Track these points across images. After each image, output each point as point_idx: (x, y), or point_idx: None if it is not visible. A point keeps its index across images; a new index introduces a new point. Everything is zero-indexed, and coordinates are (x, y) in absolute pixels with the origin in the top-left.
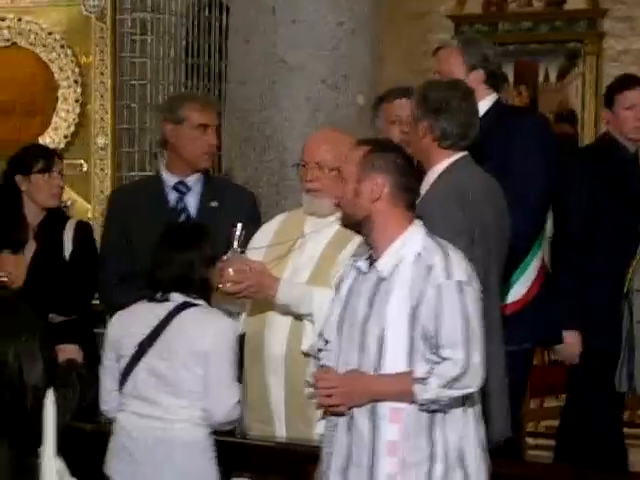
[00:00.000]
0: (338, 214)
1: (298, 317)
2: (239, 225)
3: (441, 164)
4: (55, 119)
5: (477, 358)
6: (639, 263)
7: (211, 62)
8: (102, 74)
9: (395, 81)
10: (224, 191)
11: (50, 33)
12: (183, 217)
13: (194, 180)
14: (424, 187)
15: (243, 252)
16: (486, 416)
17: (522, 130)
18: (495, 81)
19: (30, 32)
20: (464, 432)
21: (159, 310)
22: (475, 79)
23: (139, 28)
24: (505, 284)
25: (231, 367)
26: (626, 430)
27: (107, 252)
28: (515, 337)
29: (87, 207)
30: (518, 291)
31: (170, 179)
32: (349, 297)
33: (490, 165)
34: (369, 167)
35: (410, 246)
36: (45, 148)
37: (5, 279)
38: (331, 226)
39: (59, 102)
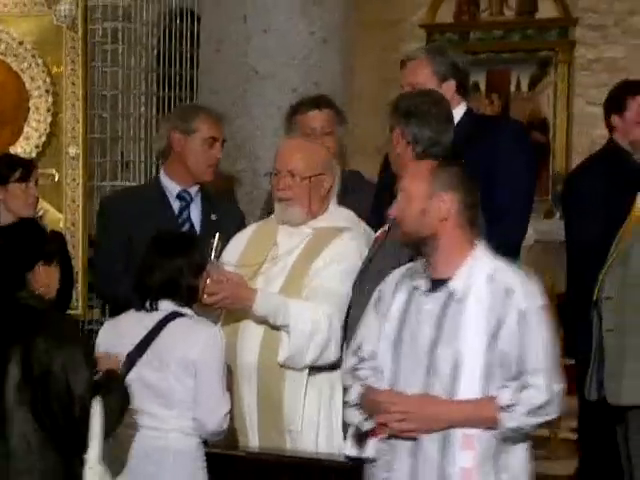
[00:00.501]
0: (310, 223)
1: (273, 327)
2: (216, 236)
3: None
4: (26, 129)
5: (559, 386)
6: (608, 271)
7: (183, 71)
8: (73, 84)
9: (366, 90)
10: (220, 205)
11: (21, 43)
12: (186, 227)
13: (195, 191)
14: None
15: (220, 263)
16: None
17: (503, 136)
18: (465, 90)
19: (1, 42)
20: (524, 462)
21: (148, 320)
22: (447, 89)
23: (110, 37)
24: None
25: (221, 377)
26: None
27: (106, 258)
28: None
29: (59, 217)
30: None
31: (172, 187)
32: (406, 316)
33: (472, 173)
34: (437, 184)
35: (480, 266)
36: (21, 158)
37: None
38: (304, 236)
39: (30, 112)
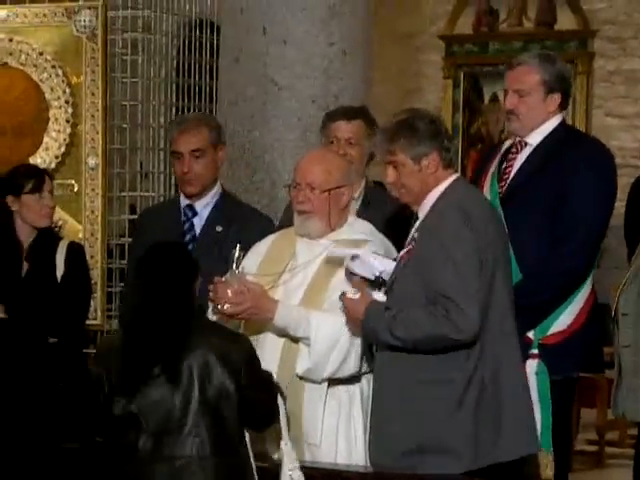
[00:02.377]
0: (329, 235)
1: (293, 339)
2: (237, 247)
3: (438, 188)
4: (46, 139)
5: None
6: (625, 287)
7: (202, 82)
8: (93, 94)
9: (386, 101)
10: (234, 217)
11: (41, 53)
12: (188, 238)
13: (203, 204)
14: (421, 213)
15: (241, 274)
16: (508, 430)
17: (582, 162)
18: (567, 102)
19: (21, 52)
20: None
21: None
22: (552, 102)
23: (130, 48)
24: (551, 315)
25: None
26: (616, 450)
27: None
28: (560, 367)
29: (78, 227)
30: (563, 321)
31: (183, 201)
32: None
33: (543, 190)
34: None
35: None
36: (35, 168)
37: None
38: (322, 249)
39: (50, 122)
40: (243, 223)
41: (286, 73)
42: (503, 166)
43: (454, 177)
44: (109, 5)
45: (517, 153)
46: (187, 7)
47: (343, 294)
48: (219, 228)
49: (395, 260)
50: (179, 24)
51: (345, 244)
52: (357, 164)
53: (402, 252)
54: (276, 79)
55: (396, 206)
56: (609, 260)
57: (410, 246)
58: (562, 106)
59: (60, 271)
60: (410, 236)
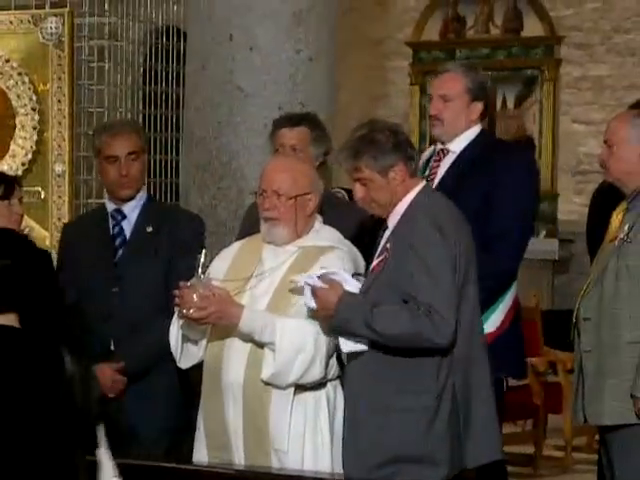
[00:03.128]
0: (296, 242)
1: (259, 344)
2: (203, 252)
3: (407, 196)
4: (12, 146)
5: None
6: (586, 292)
7: (169, 89)
8: (60, 101)
9: (353, 107)
10: (164, 217)
11: (7, 60)
12: (118, 241)
13: (132, 207)
14: (391, 222)
15: (207, 279)
16: (474, 437)
17: (506, 163)
18: (487, 112)
19: None
20: None
21: None
22: (475, 109)
23: (97, 55)
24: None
25: None
26: (583, 455)
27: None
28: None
29: (44, 234)
30: (493, 322)
31: (109, 207)
32: None
33: (472, 195)
34: None
35: None
36: (4, 175)
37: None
38: (289, 255)
39: (17, 129)
40: (174, 223)
41: (253, 80)
42: (425, 174)
43: (421, 185)
44: (75, 12)
45: (439, 161)
46: (154, 14)
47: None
48: (149, 229)
49: (356, 278)
50: (145, 31)
51: (312, 250)
52: None
53: (373, 263)
54: (242, 86)
55: (353, 214)
56: (576, 266)
57: (382, 256)
58: (483, 115)
59: None
60: (381, 246)
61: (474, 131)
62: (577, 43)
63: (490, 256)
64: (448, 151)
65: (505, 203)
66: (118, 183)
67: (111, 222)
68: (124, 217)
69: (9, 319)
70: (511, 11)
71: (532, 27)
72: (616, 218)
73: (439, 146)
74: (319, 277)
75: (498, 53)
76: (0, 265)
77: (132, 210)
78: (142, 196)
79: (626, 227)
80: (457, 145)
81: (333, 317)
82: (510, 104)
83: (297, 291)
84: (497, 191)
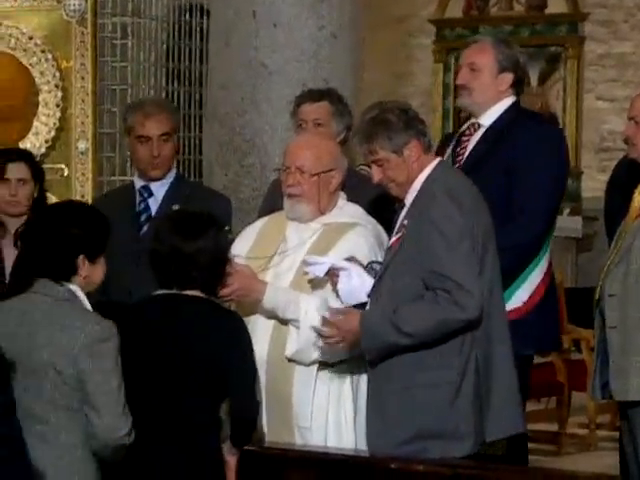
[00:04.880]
0: (319, 218)
1: (283, 321)
2: (225, 228)
3: (423, 173)
4: (36, 124)
5: None
6: (610, 268)
7: (192, 66)
8: (83, 78)
9: (376, 85)
10: (191, 196)
11: (31, 38)
12: (144, 218)
13: (159, 185)
14: (409, 199)
15: (231, 256)
16: (497, 411)
17: (531, 135)
18: (520, 86)
19: (11, 37)
20: None
21: None
22: (503, 81)
23: (120, 32)
24: (506, 291)
25: None
26: (607, 433)
27: None
28: (514, 344)
29: None
30: (519, 298)
31: (138, 183)
32: None
33: (495, 169)
34: None
35: None
36: (4, 151)
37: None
38: (312, 232)
39: (40, 107)
40: (200, 202)
41: (276, 57)
42: (458, 149)
43: (437, 161)
44: None
45: (470, 135)
46: None
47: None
48: (175, 206)
49: (371, 267)
50: (169, 8)
51: (335, 227)
52: None
53: (392, 240)
54: (266, 63)
55: (374, 191)
56: (600, 244)
57: (400, 233)
58: (515, 89)
59: None
60: (399, 223)
61: (505, 104)
62: (601, 20)
63: (511, 229)
64: (480, 125)
65: (527, 175)
66: (149, 163)
67: (138, 199)
68: (151, 194)
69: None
70: None
71: (556, 4)
72: (639, 195)
73: (471, 120)
74: (327, 271)
75: (521, 30)
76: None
77: (159, 188)
78: (171, 174)
79: None
80: (487, 119)
81: (362, 340)
82: (534, 82)
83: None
84: (519, 163)
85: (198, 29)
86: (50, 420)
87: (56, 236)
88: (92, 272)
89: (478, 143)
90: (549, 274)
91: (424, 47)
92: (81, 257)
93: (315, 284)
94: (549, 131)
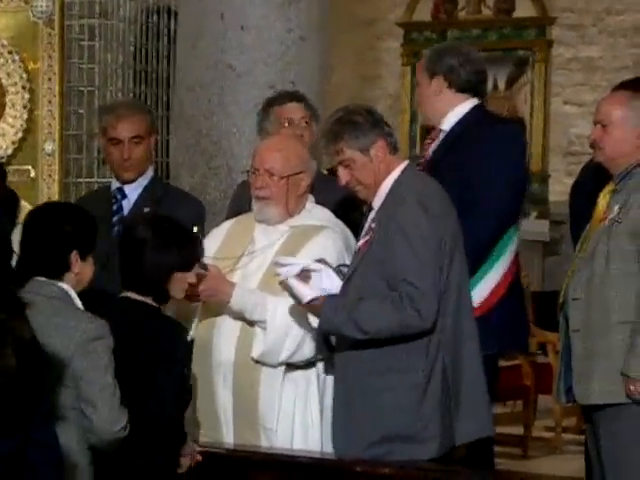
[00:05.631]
0: (287, 221)
1: (250, 323)
2: (194, 229)
3: (391, 176)
4: (2, 125)
5: None
6: (574, 272)
7: (159, 68)
8: (50, 80)
9: (344, 88)
10: (163, 199)
11: None
12: (115, 219)
13: (133, 187)
14: (376, 202)
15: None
16: (465, 414)
17: (489, 136)
18: (468, 86)
19: None
20: None
21: None
22: (436, 85)
23: (87, 34)
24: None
25: None
26: (573, 436)
27: None
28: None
29: None
30: (479, 295)
31: (113, 185)
32: None
33: (451, 173)
34: None
35: None
36: None
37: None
38: (280, 234)
39: (7, 108)
40: (172, 205)
41: (243, 59)
42: (421, 153)
43: (405, 163)
44: None
45: (432, 140)
46: None
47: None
48: (147, 209)
49: (339, 270)
50: (136, 10)
51: (303, 230)
52: (308, 146)
53: (359, 243)
54: (234, 65)
55: (343, 194)
56: (567, 247)
57: (368, 236)
58: (464, 91)
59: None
60: (367, 226)
61: (464, 107)
62: (569, 24)
63: (466, 223)
64: (440, 130)
65: (480, 177)
66: (121, 165)
67: (112, 200)
68: (124, 196)
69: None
70: None
71: (524, 8)
72: (603, 199)
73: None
74: (299, 272)
75: (490, 34)
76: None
77: (133, 190)
78: (147, 176)
79: (616, 207)
80: (447, 123)
81: (319, 321)
82: (501, 85)
83: (282, 283)
84: (474, 165)
85: (166, 31)
86: None
87: (50, 233)
88: (83, 269)
89: (438, 147)
90: (510, 276)
91: (392, 50)
92: (74, 253)
93: (284, 286)
94: (504, 133)
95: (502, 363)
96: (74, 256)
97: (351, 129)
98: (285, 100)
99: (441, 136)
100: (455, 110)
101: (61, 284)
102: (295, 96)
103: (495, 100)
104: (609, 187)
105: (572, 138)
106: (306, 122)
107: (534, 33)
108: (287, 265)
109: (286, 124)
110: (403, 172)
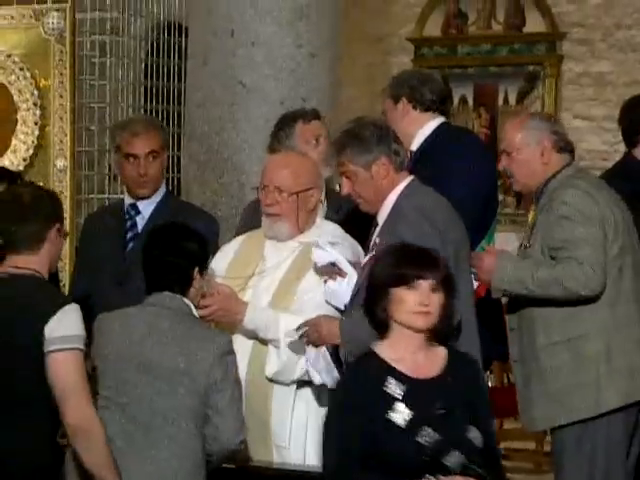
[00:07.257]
0: (298, 237)
1: (262, 341)
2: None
3: (394, 191)
4: (14, 142)
5: None
6: (510, 302)
7: (170, 84)
8: (61, 96)
9: (355, 103)
10: (178, 215)
11: (9, 55)
12: (129, 236)
13: (147, 203)
14: (381, 217)
15: (209, 276)
16: None
17: (449, 156)
18: (432, 105)
19: None
20: None
21: None
22: (402, 107)
23: (98, 50)
24: None
25: None
26: None
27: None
28: None
29: None
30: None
31: (127, 201)
32: None
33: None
34: None
35: None
36: (7, 170)
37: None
38: (291, 251)
39: (18, 124)
40: (187, 220)
41: (254, 75)
42: None
43: (409, 179)
44: (77, 7)
45: (410, 161)
46: (155, 9)
47: None
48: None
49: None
50: (147, 26)
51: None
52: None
53: (365, 259)
54: (244, 81)
55: (353, 209)
56: None
57: (372, 252)
58: (417, 109)
59: None
60: (372, 242)
61: (430, 127)
62: (579, 39)
63: None
64: (412, 151)
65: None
66: (136, 182)
67: (126, 216)
68: (138, 212)
69: None
70: (513, 7)
71: (534, 23)
72: (530, 223)
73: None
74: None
75: (500, 49)
76: None
77: (147, 206)
78: (160, 192)
79: (528, 231)
80: (415, 144)
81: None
82: (512, 100)
83: (319, 270)
84: (435, 181)
85: (176, 47)
86: (181, 424)
87: (177, 251)
88: (198, 285)
89: (407, 167)
90: (482, 288)
91: (403, 65)
92: (196, 269)
93: (295, 303)
94: (463, 148)
95: (513, 378)
96: (196, 272)
97: (356, 144)
98: (311, 117)
99: (413, 157)
100: (423, 129)
101: (186, 299)
102: (318, 114)
103: (506, 115)
104: (532, 210)
105: (582, 153)
106: (324, 139)
107: (544, 48)
108: (323, 250)
109: (313, 141)
110: (407, 187)
